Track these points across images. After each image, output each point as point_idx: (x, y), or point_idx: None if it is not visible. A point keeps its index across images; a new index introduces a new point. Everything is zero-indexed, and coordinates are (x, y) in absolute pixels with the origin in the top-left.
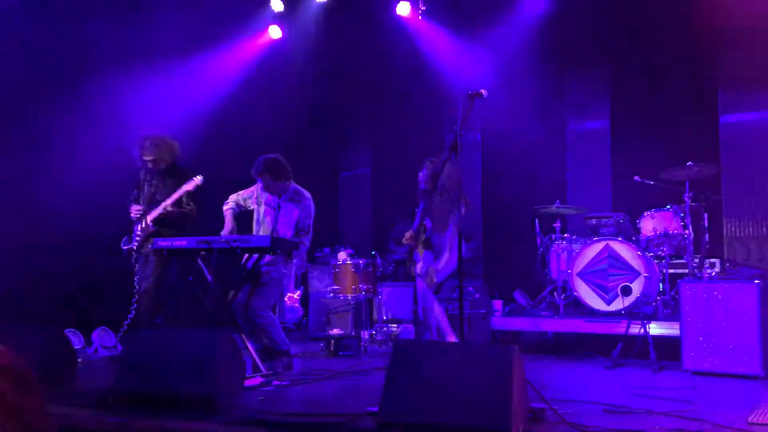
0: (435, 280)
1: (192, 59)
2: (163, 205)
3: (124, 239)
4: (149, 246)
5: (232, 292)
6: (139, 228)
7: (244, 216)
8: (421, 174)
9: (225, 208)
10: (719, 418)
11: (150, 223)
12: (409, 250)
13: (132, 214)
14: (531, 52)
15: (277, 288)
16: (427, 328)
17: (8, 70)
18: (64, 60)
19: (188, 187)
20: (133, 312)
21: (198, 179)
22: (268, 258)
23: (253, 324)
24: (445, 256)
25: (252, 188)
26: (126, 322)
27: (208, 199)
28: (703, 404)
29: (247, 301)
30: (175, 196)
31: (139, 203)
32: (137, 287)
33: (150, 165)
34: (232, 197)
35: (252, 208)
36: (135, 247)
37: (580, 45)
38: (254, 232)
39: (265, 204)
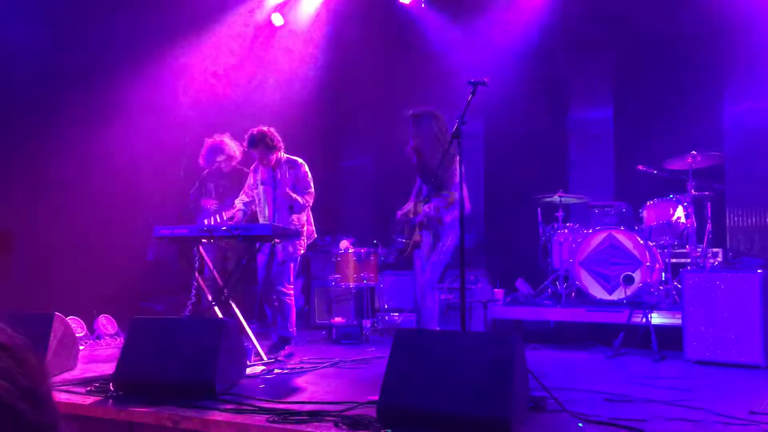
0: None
1: (195, 46)
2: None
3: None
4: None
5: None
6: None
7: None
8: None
9: (233, 210)
10: (720, 408)
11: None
12: (407, 227)
13: (208, 205)
14: (534, 40)
15: (292, 263)
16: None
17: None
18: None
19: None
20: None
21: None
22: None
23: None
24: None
25: (248, 180)
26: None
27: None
28: (704, 394)
29: (272, 282)
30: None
31: (199, 202)
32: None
33: (221, 167)
34: (237, 201)
35: (255, 197)
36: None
37: (583, 33)
38: (259, 214)
39: (262, 183)
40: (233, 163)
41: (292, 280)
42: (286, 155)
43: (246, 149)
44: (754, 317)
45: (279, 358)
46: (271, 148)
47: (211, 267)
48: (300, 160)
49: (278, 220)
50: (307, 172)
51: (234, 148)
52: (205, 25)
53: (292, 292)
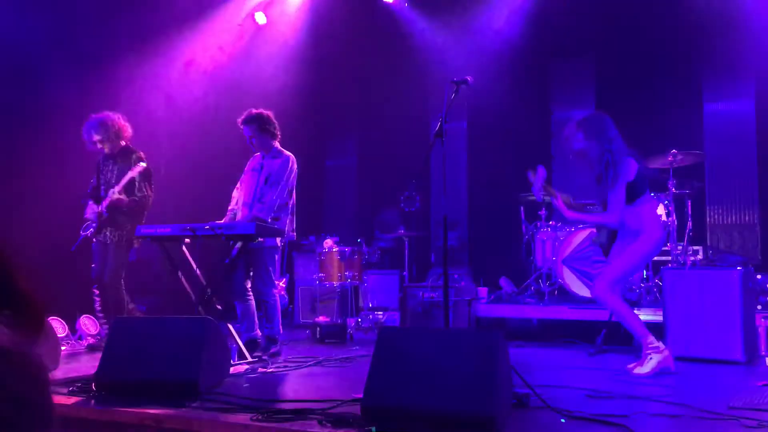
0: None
1: (175, 46)
2: (111, 191)
3: (83, 226)
4: (107, 233)
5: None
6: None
7: None
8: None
9: (229, 208)
10: (701, 403)
11: (104, 210)
12: None
13: (87, 215)
14: (516, 40)
15: (269, 260)
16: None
17: None
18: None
19: (133, 173)
20: (97, 300)
21: (142, 165)
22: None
23: (245, 305)
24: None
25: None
26: (98, 311)
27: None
28: (685, 389)
29: (252, 283)
30: (122, 182)
31: (99, 190)
32: (96, 275)
33: (99, 146)
34: (234, 194)
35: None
36: (90, 235)
37: (564, 33)
38: (238, 200)
39: (250, 171)
40: (122, 143)
41: (276, 275)
42: (278, 146)
43: (245, 132)
44: (734, 314)
45: (263, 357)
46: (264, 131)
47: (195, 266)
48: (288, 153)
49: (255, 210)
50: (289, 161)
51: (117, 125)
52: (182, 25)
53: (274, 289)
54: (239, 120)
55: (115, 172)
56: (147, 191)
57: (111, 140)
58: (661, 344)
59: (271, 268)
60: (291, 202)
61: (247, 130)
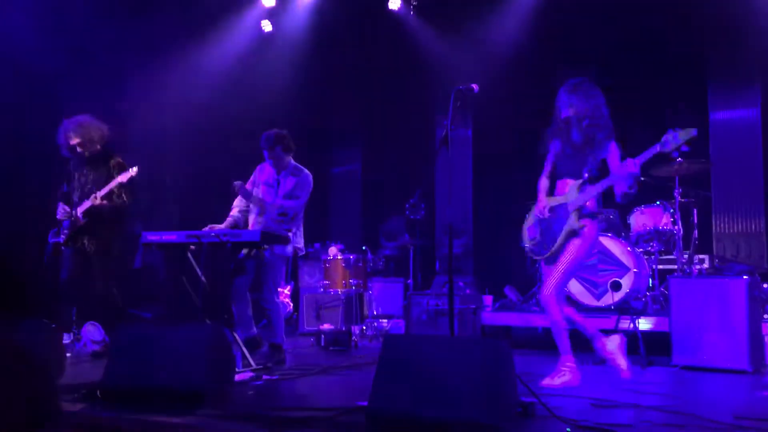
0: None
1: (181, 55)
2: (92, 196)
3: (52, 231)
4: (84, 241)
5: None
6: (68, 221)
7: None
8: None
9: (230, 214)
10: (707, 413)
11: (80, 216)
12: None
13: (58, 215)
14: (522, 47)
15: (276, 269)
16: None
17: None
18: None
19: (122, 178)
20: (72, 306)
21: (133, 171)
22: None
23: (242, 308)
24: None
25: (251, 179)
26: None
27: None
28: (690, 399)
29: (259, 290)
30: (107, 187)
31: (70, 196)
32: (65, 286)
33: (78, 150)
34: (235, 203)
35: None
36: (62, 241)
37: (570, 40)
38: (250, 213)
39: (264, 184)
40: (97, 147)
41: (281, 284)
42: (293, 161)
43: (263, 148)
44: (741, 323)
45: (268, 365)
46: (288, 149)
47: (200, 273)
48: (306, 170)
49: (271, 221)
50: (308, 179)
51: (92, 129)
52: (189, 35)
53: (278, 298)
54: (261, 143)
55: (91, 176)
56: (126, 198)
57: (90, 143)
58: (576, 367)
59: (278, 277)
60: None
61: (269, 153)
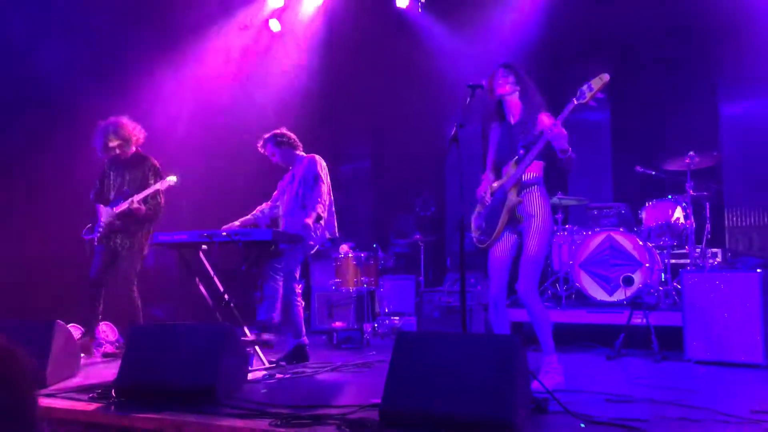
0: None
1: (191, 53)
2: (130, 200)
3: (86, 229)
4: (117, 240)
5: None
6: (104, 220)
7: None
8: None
9: (258, 207)
10: (722, 407)
11: (115, 216)
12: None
13: (102, 217)
14: (531, 43)
15: (292, 258)
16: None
17: None
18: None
19: (161, 186)
20: (99, 305)
21: (172, 180)
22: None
23: (272, 286)
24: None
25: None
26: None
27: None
28: (705, 393)
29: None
30: (145, 192)
31: (103, 195)
32: (95, 276)
33: (117, 151)
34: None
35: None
36: (96, 238)
37: (580, 36)
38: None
39: (287, 184)
40: (133, 149)
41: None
42: (302, 154)
43: (266, 153)
44: (754, 316)
45: (281, 363)
46: (280, 144)
47: (212, 272)
48: (310, 155)
49: (297, 219)
50: (314, 162)
51: (130, 130)
52: (198, 33)
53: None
54: (258, 146)
55: (127, 177)
56: (161, 200)
57: (126, 145)
58: (561, 367)
59: (296, 266)
60: (330, 200)
61: (267, 151)
